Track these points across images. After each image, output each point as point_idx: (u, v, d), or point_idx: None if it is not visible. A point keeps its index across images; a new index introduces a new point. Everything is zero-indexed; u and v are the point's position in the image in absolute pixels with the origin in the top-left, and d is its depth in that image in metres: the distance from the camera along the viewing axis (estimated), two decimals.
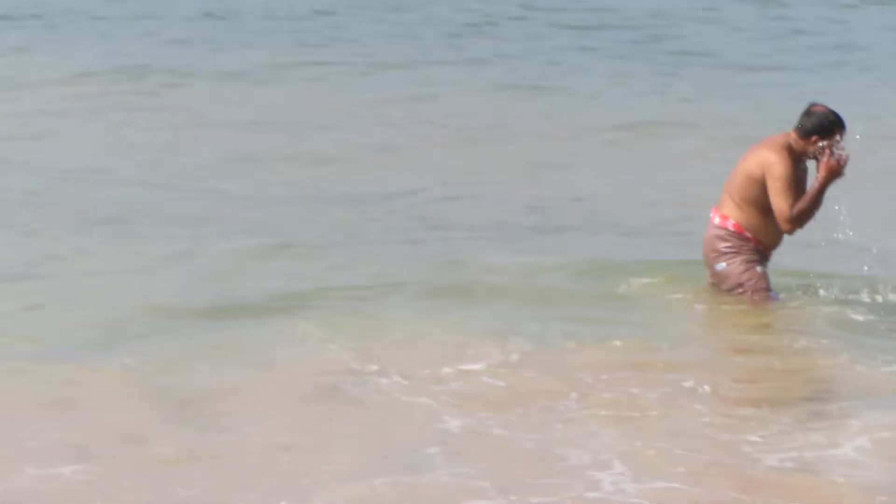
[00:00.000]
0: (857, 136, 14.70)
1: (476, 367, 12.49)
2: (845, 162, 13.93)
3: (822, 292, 15.09)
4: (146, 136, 23.96)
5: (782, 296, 14.59)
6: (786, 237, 14.68)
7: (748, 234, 14.30)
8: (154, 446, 10.52)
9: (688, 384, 12.45)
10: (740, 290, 14.37)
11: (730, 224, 14.16)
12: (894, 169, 21.11)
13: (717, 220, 14.27)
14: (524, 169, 21.56)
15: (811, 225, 14.55)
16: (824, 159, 14.14)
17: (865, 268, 15.18)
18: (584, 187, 19.94)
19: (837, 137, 14.07)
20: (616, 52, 33.80)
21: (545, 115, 26.11)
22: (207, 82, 29.21)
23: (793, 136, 13.99)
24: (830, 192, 14.50)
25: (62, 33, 32.36)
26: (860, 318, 14.52)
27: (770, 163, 14.13)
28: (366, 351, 12.78)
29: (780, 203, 13.91)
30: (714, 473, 10.45)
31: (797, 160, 14.10)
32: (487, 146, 24.33)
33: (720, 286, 14.50)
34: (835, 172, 14.08)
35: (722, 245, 14.26)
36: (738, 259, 14.23)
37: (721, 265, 14.25)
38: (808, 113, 14.00)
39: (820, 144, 14.12)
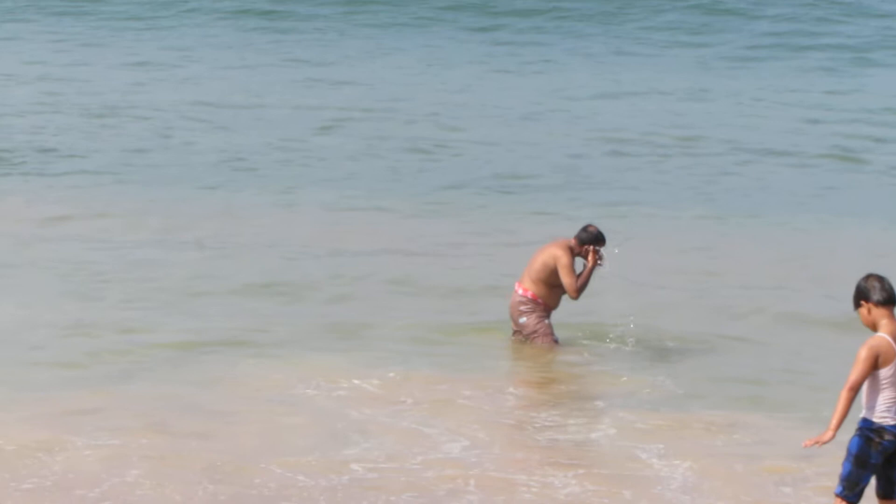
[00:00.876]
0: (616, 250, 17.69)
1: (371, 382, 15.34)
2: (602, 260, 17.20)
3: (579, 334, 17.95)
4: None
5: (560, 338, 17.26)
6: (564, 303, 17.44)
7: (539, 300, 17.19)
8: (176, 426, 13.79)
9: (500, 392, 16.13)
10: (535, 336, 17.23)
11: (529, 294, 17.10)
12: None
13: (520, 291, 17.26)
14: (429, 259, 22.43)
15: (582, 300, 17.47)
16: (590, 259, 17.26)
17: (617, 326, 17.58)
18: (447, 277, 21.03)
19: (601, 247, 17.30)
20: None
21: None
22: None
23: (573, 241, 17.09)
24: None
25: None
26: (614, 350, 17.26)
27: (559, 256, 17.03)
28: (302, 373, 15.53)
29: (568, 281, 16.89)
30: (517, 445, 14.03)
31: (574, 256, 17.11)
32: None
33: (521, 333, 17.30)
34: (596, 264, 17.32)
35: (522, 307, 17.13)
36: (534, 315, 17.03)
37: (523, 319, 17.02)
38: (584, 229, 17.14)
39: (587, 248, 17.23)
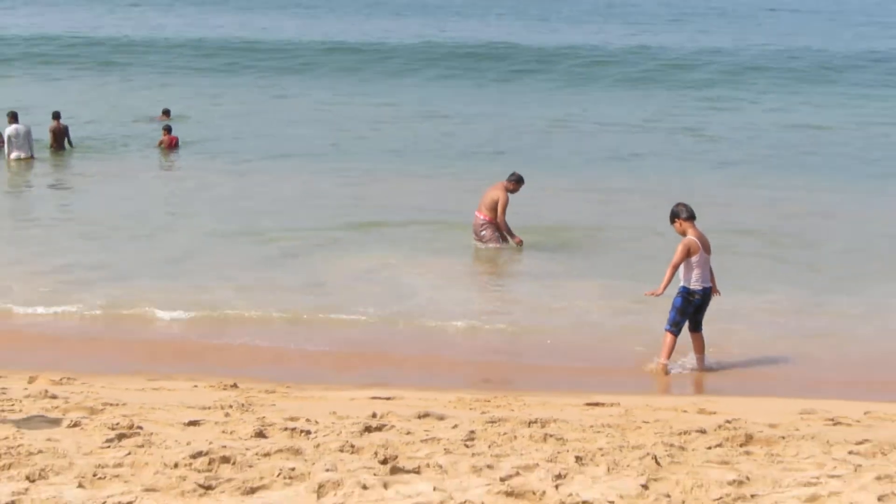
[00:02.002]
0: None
1: (405, 263, 15.07)
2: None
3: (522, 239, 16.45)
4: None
5: (507, 245, 16.16)
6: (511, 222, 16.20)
7: (491, 221, 16.26)
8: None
9: (474, 270, 16.14)
10: (489, 241, 16.42)
11: (487, 218, 16.26)
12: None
13: (480, 217, 16.37)
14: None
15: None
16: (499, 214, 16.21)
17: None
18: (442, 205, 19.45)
19: (522, 186, 16.50)
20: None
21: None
22: None
23: (506, 183, 16.32)
24: None
25: None
26: (536, 247, 16.17)
27: (500, 196, 16.26)
28: (368, 260, 15.30)
29: (500, 213, 16.10)
30: (486, 296, 14.39)
31: (509, 193, 16.26)
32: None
33: (481, 242, 16.44)
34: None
35: (483, 225, 16.29)
36: (490, 229, 16.30)
37: (483, 232, 16.30)
38: (511, 174, 16.44)
39: (514, 185, 16.21)
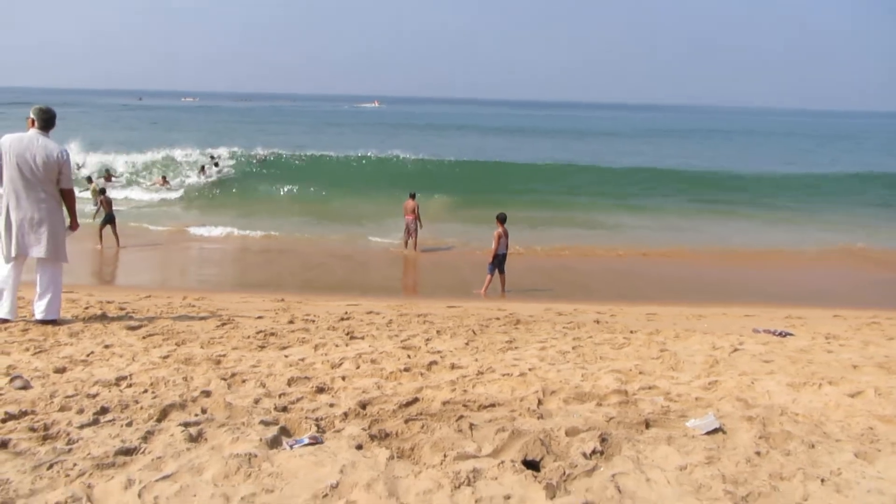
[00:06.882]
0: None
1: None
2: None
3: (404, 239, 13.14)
4: None
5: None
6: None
7: (416, 220, 12.56)
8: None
9: (410, 254, 12.98)
10: (414, 234, 12.59)
11: (412, 218, 12.67)
12: None
13: (409, 217, 12.68)
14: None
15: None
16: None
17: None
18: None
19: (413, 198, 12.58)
20: None
21: None
22: None
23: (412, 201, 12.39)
24: None
25: None
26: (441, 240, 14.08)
27: (417, 206, 12.44)
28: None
29: (419, 216, 12.42)
30: (413, 258, 12.61)
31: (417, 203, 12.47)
32: None
33: (410, 232, 12.64)
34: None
35: (411, 224, 12.60)
36: (415, 224, 12.44)
37: (415, 228, 12.35)
38: (410, 194, 12.40)
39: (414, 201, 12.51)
